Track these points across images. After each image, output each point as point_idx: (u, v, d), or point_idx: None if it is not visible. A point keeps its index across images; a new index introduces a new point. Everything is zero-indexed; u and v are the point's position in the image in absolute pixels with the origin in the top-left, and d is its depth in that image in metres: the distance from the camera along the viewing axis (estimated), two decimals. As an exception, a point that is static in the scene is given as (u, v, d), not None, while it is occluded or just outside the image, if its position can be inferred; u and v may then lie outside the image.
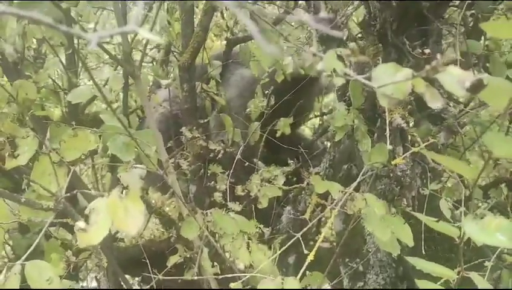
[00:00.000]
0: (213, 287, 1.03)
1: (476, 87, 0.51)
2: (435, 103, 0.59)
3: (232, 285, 1.00)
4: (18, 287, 0.77)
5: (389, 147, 0.93)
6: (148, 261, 1.31)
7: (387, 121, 0.99)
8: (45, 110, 1.63)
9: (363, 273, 1.44)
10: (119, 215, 0.67)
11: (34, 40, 2.02)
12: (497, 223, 0.63)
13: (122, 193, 0.71)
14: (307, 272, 1.14)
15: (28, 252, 0.81)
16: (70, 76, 1.63)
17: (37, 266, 0.77)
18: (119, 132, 1.05)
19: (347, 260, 1.50)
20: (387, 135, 0.94)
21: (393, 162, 1.02)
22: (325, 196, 1.37)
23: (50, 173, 0.89)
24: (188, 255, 1.35)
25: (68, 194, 0.84)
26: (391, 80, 0.59)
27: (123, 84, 1.38)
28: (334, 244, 1.80)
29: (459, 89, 0.52)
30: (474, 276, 0.76)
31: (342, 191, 1.13)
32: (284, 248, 1.09)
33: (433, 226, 0.80)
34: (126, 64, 0.95)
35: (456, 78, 0.51)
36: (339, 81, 0.64)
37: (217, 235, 1.23)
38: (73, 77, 1.66)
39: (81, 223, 0.66)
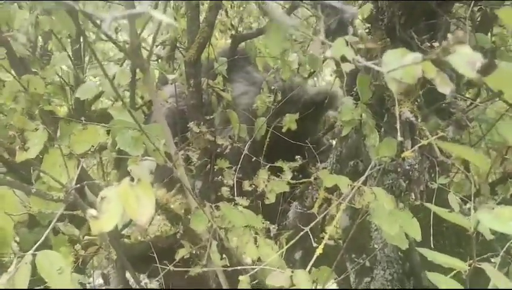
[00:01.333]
0: (221, 280, 1.03)
1: (487, 68, 0.51)
2: (445, 88, 0.59)
3: (240, 278, 1.00)
4: (29, 278, 0.77)
5: (400, 138, 0.93)
6: (156, 257, 1.31)
7: (397, 114, 0.99)
8: (51, 106, 1.63)
9: (370, 268, 1.44)
10: (130, 203, 0.67)
11: (40, 38, 2.03)
12: (511, 211, 0.63)
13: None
14: (313, 268, 1.14)
15: (37, 244, 0.81)
16: (77, 71, 1.63)
17: (48, 257, 0.77)
18: (128, 126, 1.05)
19: (353, 255, 1.50)
20: (398, 128, 0.94)
21: (402, 155, 1.02)
22: (332, 191, 1.37)
23: (60, 164, 0.89)
24: (195, 251, 1.34)
25: (78, 185, 0.84)
26: (400, 64, 0.58)
27: (130, 79, 1.38)
28: (339, 241, 1.80)
29: (470, 70, 0.51)
30: (486, 267, 0.76)
31: (350, 185, 1.12)
32: (292, 242, 1.09)
33: (445, 216, 0.80)
34: (134, 57, 0.95)
35: (466, 59, 0.51)
36: (347, 67, 0.64)
37: (223, 230, 1.23)
38: (80, 72, 1.66)
39: (92, 211, 0.66)
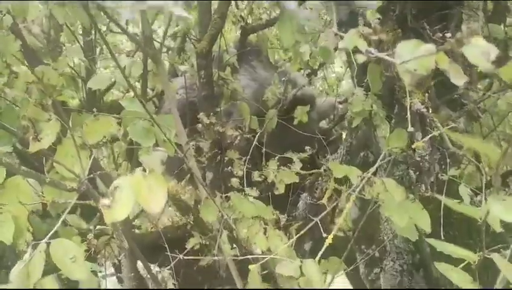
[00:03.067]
0: (232, 270, 1.04)
1: (501, 59, 0.51)
2: (459, 79, 0.59)
3: (250, 267, 1.01)
4: (43, 266, 0.79)
5: (410, 129, 0.92)
6: (167, 247, 1.33)
7: (408, 105, 0.98)
8: (63, 96, 1.65)
9: (380, 259, 1.44)
10: (142, 193, 0.68)
11: (52, 31, 2.04)
12: (522, 202, 0.63)
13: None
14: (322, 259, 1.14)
15: (50, 234, 0.83)
16: (90, 63, 1.65)
17: (62, 245, 0.79)
18: (140, 116, 1.06)
19: (363, 246, 1.50)
20: (408, 119, 0.93)
21: (413, 146, 1.01)
22: (342, 181, 1.37)
23: (73, 155, 0.90)
24: (206, 241, 1.36)
25: (91, 176, 0.85)
26: (413, 55, 0.58)
27: (142, 70, 1.39)
28: (348, 233, 1.80)
29: (484, 61, 0.51)
30: (495, 257, 0.76)
31: (360, 176, 1.12)
32: (302, 232, 1.10)
33: (455, 207, 0.80)
34: (147, 47, 0.96)
35: (481, 50, 0.51)
36: (360, 59, 0.64)
37: (233, 220, 1.24)
38: (91, 64, 1.67)
39: (105, 200, 0.67)
